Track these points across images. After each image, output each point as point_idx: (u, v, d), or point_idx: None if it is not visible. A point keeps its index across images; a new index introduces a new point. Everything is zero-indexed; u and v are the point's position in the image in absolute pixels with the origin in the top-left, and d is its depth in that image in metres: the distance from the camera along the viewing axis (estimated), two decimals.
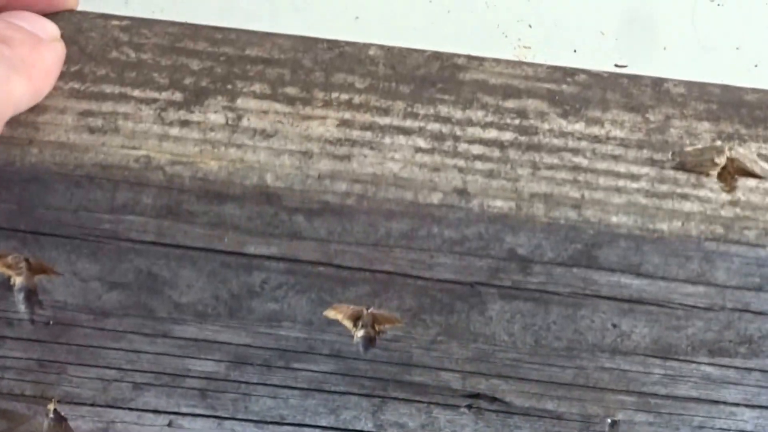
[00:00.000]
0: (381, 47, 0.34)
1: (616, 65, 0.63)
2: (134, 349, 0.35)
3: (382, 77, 0.33)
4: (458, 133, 0.32)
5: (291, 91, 0.32)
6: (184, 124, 0.31)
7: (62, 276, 0.33)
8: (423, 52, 0.34)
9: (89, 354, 0.35)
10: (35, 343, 0.35)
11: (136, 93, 0.32)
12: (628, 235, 0.30)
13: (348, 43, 0.34)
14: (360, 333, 0.34)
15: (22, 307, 0.33)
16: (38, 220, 0.31)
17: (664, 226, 0.30)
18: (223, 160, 0.31)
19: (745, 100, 0.33)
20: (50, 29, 0.33)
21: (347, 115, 0.32)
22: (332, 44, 0.34)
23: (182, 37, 0.34)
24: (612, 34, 0.62)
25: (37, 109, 0.31)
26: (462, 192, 0.31)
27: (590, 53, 0.63)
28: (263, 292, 0.33)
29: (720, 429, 0.35)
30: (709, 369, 0.33)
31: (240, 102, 0.32)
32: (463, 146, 0.31)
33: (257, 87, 0.32)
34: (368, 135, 0.31)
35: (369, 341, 0.34)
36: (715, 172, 0.31)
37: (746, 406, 0.34)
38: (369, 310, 0.33)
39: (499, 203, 0.30)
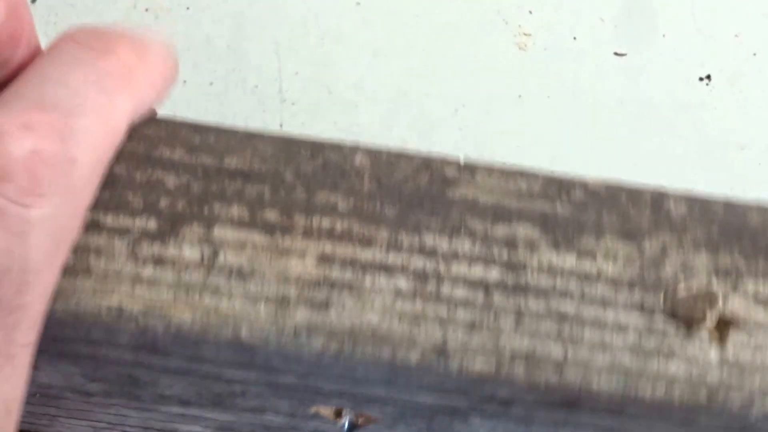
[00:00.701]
0: (368, 153, 0.32)
1: (616, 53, 0.63)
2: (122, 414, 0.35)
3: (366, 195, 0.31)
4: (442, 271, 0.30)
5: (270, 216, 0.30)
6: (158, 262, 0.29)
7: (44, 371, 0.32)
8: (412, 159, 0.32)
9: (79, 412, 0.35)
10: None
11: (109, 221, 0.30)
12: (609, 399, 0.29)
13: (332, 148, 0.32)
14: (343, 421, 0.33)
15: None
16: None
17: (646, 392, 0.29)
18: (198, 310, 0.29)
19: (748, 224, 0.31)
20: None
21: (328, 248, 0.30)
22: (315, 151, 0.32)
23: (158, 141, 0.31)
24: (611, 21, 0.62)
25: None
26: (441, 351, 0.29)
27: (590, 40, 0.63)
28: (244, 396, 0.32)
29: None
30: None
31: (216, 232, 0.30)
32: (446, 289, 0.29)
33: (235, 211, 0.30)
34: (348, 275, 0.30)
35: (352, 426, 0.33)
36: (705, 325, 0.29)
37: None
38: (347, 413, 0.33)
39: (478, 365, 0.29)
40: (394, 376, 0.29)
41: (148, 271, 0.29)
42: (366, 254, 0.30)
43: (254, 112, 0.56)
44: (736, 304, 0.30)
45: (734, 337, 0.29)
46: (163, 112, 0.33)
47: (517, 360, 0.29)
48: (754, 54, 0.62)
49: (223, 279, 0.29)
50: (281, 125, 0.56)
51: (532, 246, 0.30)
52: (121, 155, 0.31)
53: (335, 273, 0.30)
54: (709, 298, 0.30)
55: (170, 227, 0.30)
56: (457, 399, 0.30)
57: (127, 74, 0.29)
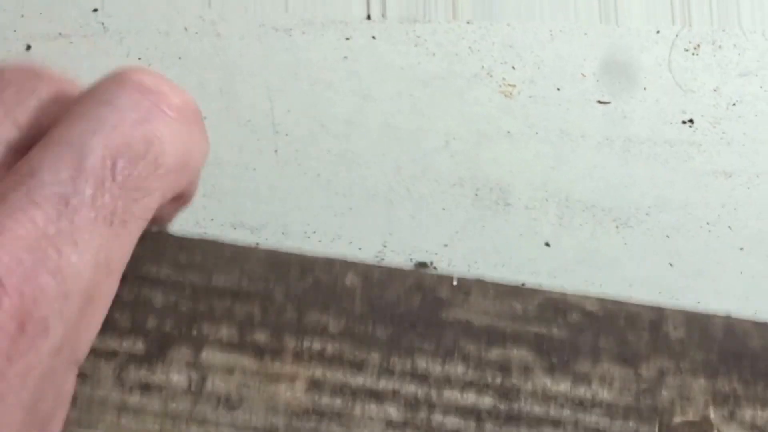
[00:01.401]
0: (358, 273, 0.31)
1: (599, 101, 0.65)
2: None
3: (358, 317, 0.30)
4: (434, 398, 0.29)
5: (260, 337, 0.30)
6: (145, 389, 0.29)
7: None
8: (404, 279, 0.31)
9: None
10: None
11: (96, 343, 0.28)
12: None
13: (323, 267, 0.31)
14: None
15: None
16: None
17: None
18: None
19: (748, 347, 0.31)
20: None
21: (318, 373, 0.29)
22: (305, 270, 0.31)
23: (144, 258, 0.31)
24: (592, 76, 0.64)
25: None
26: None
27: (573, 91, 0.64)
28: None
29: None
30: None
31: (205, 355, 0.29)
32: (437, 418, 0.29)
33: (224, 331, 0.30)
34: (338, 403, 0.29)
35: None
36: None
37: None
38: None
39: None
40: None
41: (134, 399, 0.29)
42: (357, 380, 0.29)
43: (248, 141, 0.56)
44: None
45: None
46: None
47: None
48: (734, 104, 0.63)
49: (211, 408, 0.28)
50: (276, 151, 0.55)
51: (526, 370, 0.30)
52: None
53: (325, 400, 0.29)
54: (705, 430, 0.29)
55: (158, 350, 0.29)
56: None
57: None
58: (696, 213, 0.56)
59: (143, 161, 0.30)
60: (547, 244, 0.49)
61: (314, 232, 0.47)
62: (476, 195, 0.52)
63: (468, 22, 0.61)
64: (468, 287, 0.30)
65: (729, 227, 0.54)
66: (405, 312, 0.30)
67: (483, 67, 0.63)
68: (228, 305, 0.29)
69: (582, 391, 0.29)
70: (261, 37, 0.61)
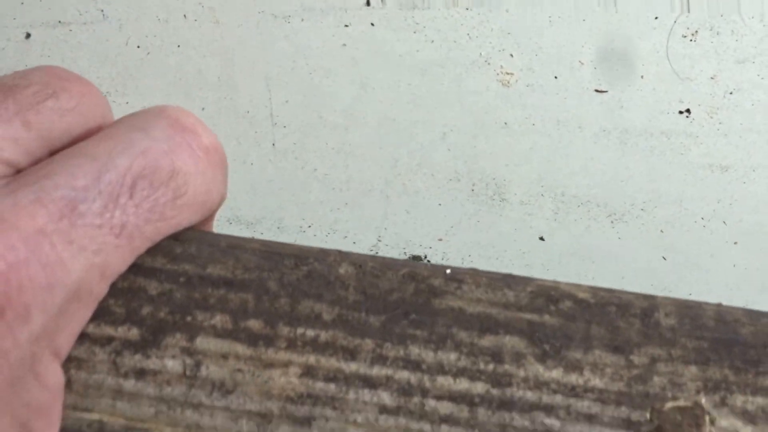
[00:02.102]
0: (352, 263, 0.31)
1: (597, 90, 0.65)
2: None
3: (351, 305, 0.30)
4: (427, 384, 0.29)
5: (254, 325, 0.30)
6: (140, 374, 0.29)
7: None
8: (398, 269, 0.31)
9: None
10: None
11: (91, 329, 0.29)
12: None
13: (317, 257, 0.31)
14: None
15: None
16: None
17: None
18: (179, 426, 0.28)
19: (740, 334, 0.31)
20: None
21: (312, 360, 0.29)
22: (300, 260, 0.31)
23: None
24: (590, 64, 0.64)
25: None
26: None
27: (570, 79, 0.64)
28: None
29: None
30: None
31: (199, 342, 0.29)
32: (430, 404, 0.29)
33: (218, 320, 0.30)
34: (332, 388, 0.29)
35: None
36: None
37: None
38: None
39: None
40: None
41: (129, 384, 0.29)
42: (350, 367, 0.29)
43: (246, 133, 0.56)
44: (723, 421, 0.29)
45: None
46: None
47: None
48: (731, 93, 0.63)
49: (205, 393, 0.29)
50: (274, 144, 0.55)
51: (518, 359, 0.30)
52: None
53: (318, 386, 0.29)
54: (696, 419, 0.29)
55: (152, 337, 0.29)
56: None
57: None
58: (691, 208, 0.56)
59: (164, 188, 0.31)
60: (542, 239, 0.49)
61: (309, 226, 0.48)
62: (472, 190, 0.52)
63: (467, 9, 0.61)
64: (461, 276, 0.30)
65: (724, 222, 0.54)
66: (398, 300, 0.30)
67: (481, 54, 0.63)
68: (222, 294, 0.29)
69: (574, 378, 0.29)
70: (260, 24, 0.61)
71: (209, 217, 0.36)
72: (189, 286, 0.30)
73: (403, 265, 0.31)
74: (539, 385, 0.29)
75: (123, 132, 0.31)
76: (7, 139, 0.31)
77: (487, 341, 0.29)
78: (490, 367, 0.29)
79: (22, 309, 0.27)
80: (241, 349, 0.29)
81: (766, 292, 0.54)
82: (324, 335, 0.29)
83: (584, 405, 0.28)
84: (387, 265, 0.31)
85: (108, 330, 0.29)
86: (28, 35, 0.59)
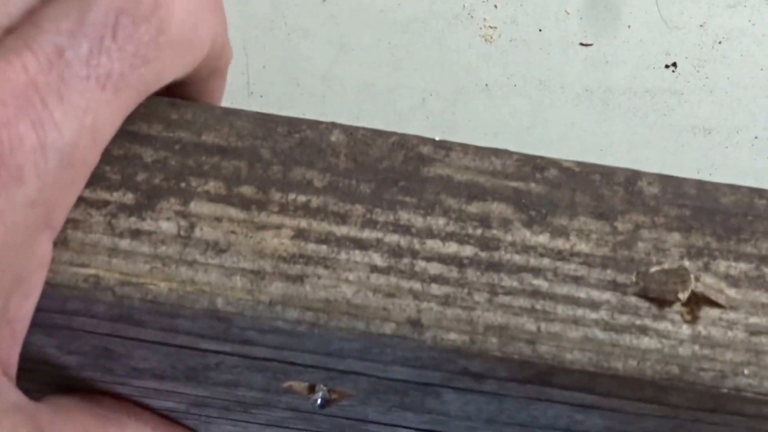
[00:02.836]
0: (344, 130, 0.32)
1: (581, 44, 0.63)
2: (95, 387, 0.34)
3: (342, 172, 0.31)
4: (417, 247, 0.30)
5: (247, 191, 0.30)
6: (135, 234, 0.29)
7: None
8: (388, 137, 0.32)
9: (49, 386, 0.34)
10: None
11: (87, 193, 0.30)
12: (582, 370, 0.29)
13: (309, 125, 0.31)
14: (316, 397, 0.32)
15: None
16: None
17: (618, 365, 0.29)
18: (174, 281, 0.29)
19: (721, 203, 0.31)
20: None
21: (303, 224, 0.30)
22: (293, 128, 0.31)
23: (135, 116, 0.31)
24: (576, 14, 0.62)
25: None
26: (415, 323, 0.29)
27: (555, 32, 0.63)
28: (219, 369, 0.32)
29: None
30: None
31: (193, 206, 0.30)
32: (420, 264, 0.29)
33: (212, 186, 0.30)
34: (323, 249, 0.29)
35: (325, 402, 0.33)
36: (677, 303, 0.29)
37: None
38: (322, 387, 0.32)
39: (452, 336, 0.28)
40: (368, 348, 0.29)
41: (125, 243, 0.29)
42: (341, 230, 0.30)
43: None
44: (707, 284, 0.30)
45: (706, 315, 0.29)
46: None
47: (490, 333, 0.29)
48: (719, 42, 0.62)
49: (200, 252, 0.29)
50: None
51: (505, 225, 0.30)
52: None
53: (310, 248, 0.29)
54: (681, 278, 0.30)
55: (147, 201, 0.30)
56: (431, 374, 0.30)
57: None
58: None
59: (146, 24, 0.29)
60: None
61: None
62: None
63: None
64: (449, 145, 0.31)
65: None
66: (388, 167, 0.30)
67: (464, 6, 0.62)
68: (216, 161, 0.30)
69: (560, 243, 0.29)
70: None
71: (215, 74, 0.35)
72: (184, 154, 0.30)
73: (393, 134, 0.31)
74: (526, 249, 0.30)
75: None
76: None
77: (475, 207, 0.30)
78: (478, 231, 0.30)
79: (15, 170, 0.27)
80: (234, 212, 0.29)
81: None
82: (315, 201, 0.30)
83: (571, 268, 0.29)
84: (377, 133, 0.31)
85: (103, 195, 0.29)
86: None
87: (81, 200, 0.29)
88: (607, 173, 0.31)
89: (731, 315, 0.29)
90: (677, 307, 0.29)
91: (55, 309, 0.29)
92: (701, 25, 0.63)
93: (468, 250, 0.30)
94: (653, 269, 0.30)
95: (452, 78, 0.60)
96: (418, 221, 0.30)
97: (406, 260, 0.29)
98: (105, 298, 0.28)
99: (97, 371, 0.33)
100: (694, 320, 0.29)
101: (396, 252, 0.29)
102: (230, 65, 0.34)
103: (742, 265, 0.30)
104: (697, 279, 0.30)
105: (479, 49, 0.61)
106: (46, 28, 0.28)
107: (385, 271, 0.29)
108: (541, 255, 0.30)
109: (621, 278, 0.30)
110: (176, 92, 0.34)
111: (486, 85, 0.60)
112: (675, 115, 0.60)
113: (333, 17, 0.61)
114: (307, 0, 0.61)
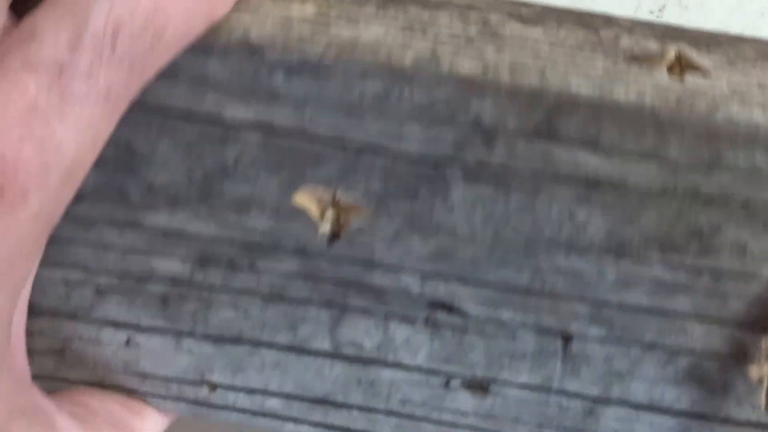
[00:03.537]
0: None
1: None
2: (102, 242, 0.34)
3: None
4: (427, 24, 0.33)
5: None
6: None
7: None
8: None
9: (57, 250, 0.34)
10: None
11: None
12: (587, 102, 0.31)
13: None
14: (325, 226, 0.34)
15: None
16: None
17: (620, 95, 0.32)
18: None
19: (687, 30, 0.35)
20: None
21: (323, 6, 0.33)
22: None
23: None
24: None
25: None
26: (432, 56, 0.32)
27: None
28: (236, 171, 0.33)
29: (671, 349, 0.34)
30: (660, 270, 0.33)
31: None
32: (432, 31, 0.33)
33: None
34: (344, 14, 0.33)
35: (333, 235, 0.34)
36: (664, 66, 0.33)
37: (696, 319, 0.34)
38: (336, 197, 0.33)
39: (467, 66, 0.32)
40: (388, 91, 0.32)
41: None
42: (363, 10, 0.33)
43: None
44: (688, 54, 0.33)
45: (691, 76, 0.33)
46: None
47: (501, 67, 0.32)
48: None
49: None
50: None
51: (503, 23, 0.34)
52: None
53: (333, 12, 0.33)
54: (662, 48, 0.34)
55: None
56: (444, 136, 0.32)
57: None
58: None
59: (144, 32, 0.29)
60: None
61: None
62: None
63: None
64: None
65: None
66: None
67: None
68: None
69: (553, 34, 0.33)
70: None
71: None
72: None
73: None
74: (524, 34, 0.33)
75: None
76: None
77: (474, 14, 0.34)
78: (480, 25, 0.33)
79: (20, 191, 0.28)
80: None
81: None
82: None
83: (567, 43, 0.33)
84: None
85: None
86: None
87: None
88: (586, 12, 0.35)
89: (714, 74, 0.33)
90: (665, 69, 0.33)
91: None
92: None
93: (473, 30, 0.33)
94: (636, 50, 0.33)
95: None
96: (425, 15, 0.33)
97: (418, 28, 0.33)
98: None
99: (113, 200, 0.33)
100: (681, 78, 0.32)
101: (409, 27, 0.33)
102: None
103: (716, 56, 0.34)
104: (677, 53, 0.33)
105: None
106: (45, 42, 0.29)
107: (402, 29, 0.33)
108: (538, 39, 0.33)
109: (610, 54, 0.33)
110: None
111: None
112: None
113: None
114: None
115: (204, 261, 0.34)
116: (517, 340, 0.34)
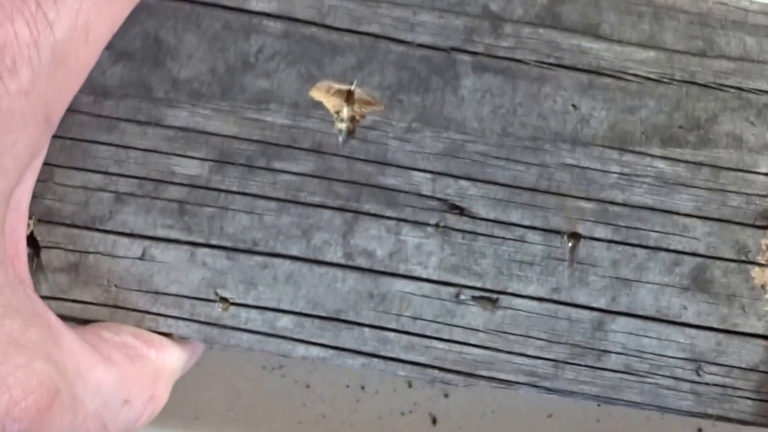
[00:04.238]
0: None
1: None
2: (124, 143, 0.35)
3: None
4: None
5: None
6: None
7: None
8: None
9: (79, 152, 0.35)
10: None
11: None
12: None
13: None
14: (341, 125, 0.35)
15: None
16: None
17: None
18: None
19: None
20: None
21: None
22: None
23: None
24: None
25: None
26: None
27: None
28: (257, 64, 0.35)
29: (675, 250, 0.35)
30: (662, 165, 0.35)
31: None
32: None
33: None
34: None
35: (348, 132, 0.35)
36: None
37: (698, 217, 0.35)
38: (353, 87, 0.35)
39: None
40: None
41: None
42: None
43: None
44: None
45: None
46: None
47: None
48: None
49: None
50: None
51: None
52: None
53: None
54: None
55: None
56: (454, 24, 0.34)
57: None
58: None
59: None
60: None
61: None
62: None
63: None
64: None
65: None
66: None
67: None
68: None
69: None
70: None
71: None
72: None
73: None
74: None
75: None
76: None
77: None
78: None
79: (10, 62, 0.29)
80: None
81: None
82: None
83: None
84: None
85: None
86: None
87: None
88: None
89: None
90: None
91: None
92: None
93: None
94: None
95: None
96: None
97: None
98: None
99: (136, 97, 0.35)
100: None
101: None
102: None
103: None
104: None
105: None
106: None
107: None
108: None
109: None
110: None
111: None
112: None
113: None
114: None
115: (222, 161, 0.35)
116: (526, 244, 0.35)
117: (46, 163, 0.34)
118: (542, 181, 0.35)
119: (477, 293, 0.35)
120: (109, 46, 0.34)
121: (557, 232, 0.35)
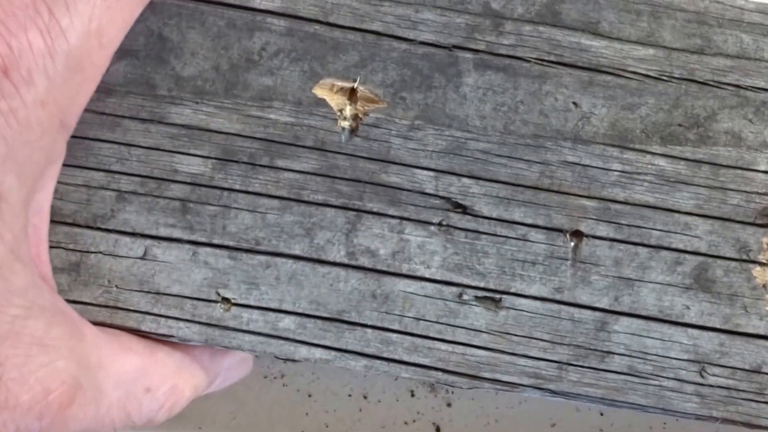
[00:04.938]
0: None
1: None
2: (127, 141, 0.35)
3: None
4: None
5: None
6: None
7: None
8: None
9: (81, 150, 0.35)
10: None
11: None
12: None
13: None
14: (344, 122, 0.35)
15: None
16: None
17: None
18: None
19: None
20: None
21: None
22: None
23: None
24: None
25: None
26: None
27: None
28: (260, 62, 0.35)
29: (677, 249, 0.35)
30: (662, 162, 0.35)
31: None
32: None
33: None
34: None
35: (351, 130, 0.35)
36: None
37: (699, 216, 0.35)
38: (356, 85, 0.35)
39: None
40: None
41: None
42: None
43: None
44: None
45: None
46: None
47: None
48: None
49: None
50: None
51: None
52: None
53: None
54: None
55: None
56: (456, 22, 0.34)
57: None
58: None
59: None
60: None
61: None
62: None
63: None
64: None
65: None
66: None
67: None
68: None
69: None
70: None
71: None
72: None
73: None
74: None
75: None
76: None
77: None
78: None
79: (26, 72, 0.29)
80: None
81: None
82: None
83: None
84: None
85: None
86: None
87: None
88: None
89: None
90: None
91: None
92: None
93: None
94: None
95: None
96: None
97: None
98: None
99: (140, 95, 0.34)
100: None
101: None
102: None
103: None
104: None
105: None
106: None
107: None
108: None
109: None
110: None
111: None
112: None
113: None
114: None
115: (225, 159, 0.35)
116: (528, 243, 0.35)
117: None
118: (544, 179, 0.35)
119: (480, 293, 0.35)
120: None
121: (560, 230, 0.35)
